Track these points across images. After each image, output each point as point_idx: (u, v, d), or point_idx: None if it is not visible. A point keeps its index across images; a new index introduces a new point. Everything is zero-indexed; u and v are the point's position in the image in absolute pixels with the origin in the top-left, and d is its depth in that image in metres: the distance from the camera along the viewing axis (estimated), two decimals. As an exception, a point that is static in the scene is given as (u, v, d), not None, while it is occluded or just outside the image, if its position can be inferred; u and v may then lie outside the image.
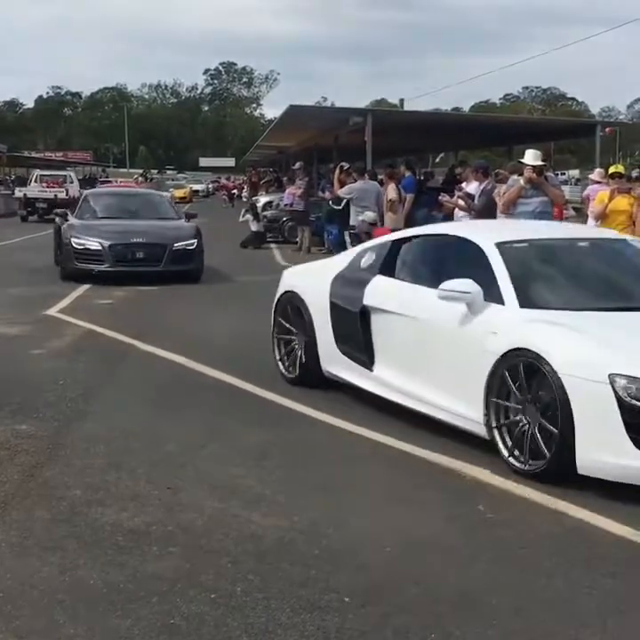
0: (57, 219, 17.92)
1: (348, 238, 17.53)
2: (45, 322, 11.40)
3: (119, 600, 3.94)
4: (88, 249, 15.12)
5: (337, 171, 19.52)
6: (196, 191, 70.31)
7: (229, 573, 4.22)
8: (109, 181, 60.35)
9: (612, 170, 12.59)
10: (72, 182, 41.59)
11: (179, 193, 58.00)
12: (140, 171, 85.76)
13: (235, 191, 61.36)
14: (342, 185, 18.18)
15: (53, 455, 5.94)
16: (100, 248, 15.08)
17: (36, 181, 41.28)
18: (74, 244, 15.17)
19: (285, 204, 25.93)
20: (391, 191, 17.47)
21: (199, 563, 4.33)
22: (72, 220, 16.48)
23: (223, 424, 6.81)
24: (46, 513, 4.93)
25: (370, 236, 15.67)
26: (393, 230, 16.39)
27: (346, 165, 18.24)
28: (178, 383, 8.18)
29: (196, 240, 15.74)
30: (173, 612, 3.83)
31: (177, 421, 6.84)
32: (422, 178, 26.07)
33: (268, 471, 5.75)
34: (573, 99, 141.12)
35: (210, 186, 78.24)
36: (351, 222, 17.33)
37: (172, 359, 9.07)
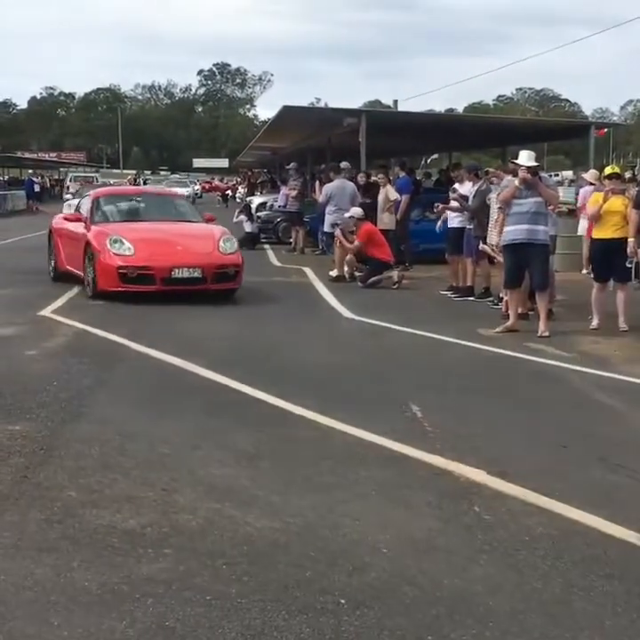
0: None
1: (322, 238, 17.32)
2: (39, 322, 11.36)
3: (114, 602, 3.91)
4: None
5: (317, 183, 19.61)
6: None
7: (224, 575, 4.20)
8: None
9: (608, 171, 12.57)
10: (98, 182, 41.95)
11: None
12: (134, 172, 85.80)
13: (228, 192, 61.40)
14: None
15: (47, 456, 5.91)
16: None
17: (70, 181, 42.09)
18: None
19: (279, 205, 25.94)
20: (392, 192, 17.52)
21: (194, 564, 4.31)
22: None
23: (217, 425, 6.79)
24: (40, 514, 4.90)
25: (353, 233, 15.68)
26: (383, 231, 16.42)
27: (346, 164, 18.26)
28: (171, 384, 8.16)
29: None
30: (168, 614, 3.81)
31: (171, 422, 6.82)
32: (419, 178, 26.10)
33: (261, 472, 5.74)
34: (566, 100, 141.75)
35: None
36: (326, 227, 17.05)
37: (166, 360, 9.05)
